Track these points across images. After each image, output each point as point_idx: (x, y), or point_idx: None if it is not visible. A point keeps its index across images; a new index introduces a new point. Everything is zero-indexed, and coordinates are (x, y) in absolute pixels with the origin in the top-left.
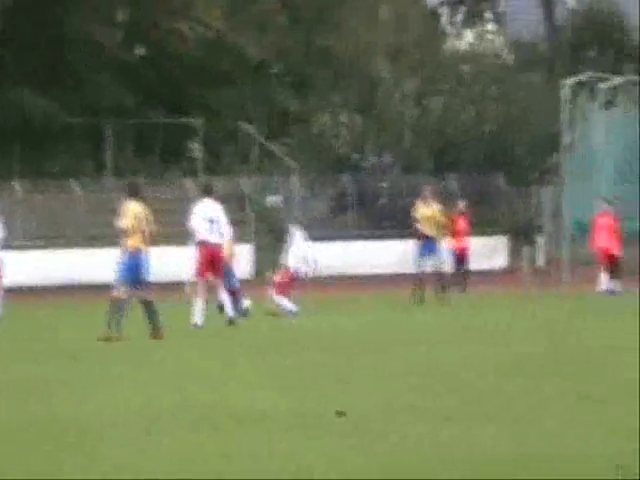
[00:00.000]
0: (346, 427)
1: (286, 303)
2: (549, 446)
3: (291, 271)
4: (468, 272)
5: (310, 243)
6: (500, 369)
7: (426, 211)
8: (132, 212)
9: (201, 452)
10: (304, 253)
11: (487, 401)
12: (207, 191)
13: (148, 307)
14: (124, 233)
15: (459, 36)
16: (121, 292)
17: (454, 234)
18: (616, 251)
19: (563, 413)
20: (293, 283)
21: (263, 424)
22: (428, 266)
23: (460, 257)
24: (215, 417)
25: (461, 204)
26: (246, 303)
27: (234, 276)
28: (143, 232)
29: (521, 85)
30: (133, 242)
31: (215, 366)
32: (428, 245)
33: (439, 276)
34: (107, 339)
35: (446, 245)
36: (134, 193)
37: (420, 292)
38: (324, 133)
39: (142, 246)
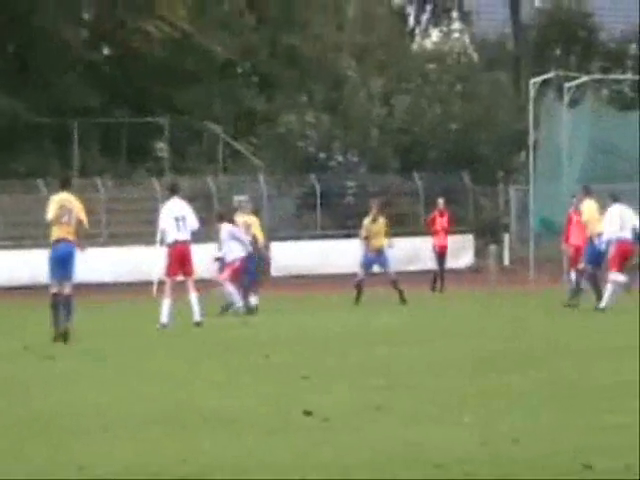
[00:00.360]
0: (312, 425)
1: (235, 294)
2: (515, 446)
3: (238, 263)
4: (443, 271)
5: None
6: (467, 368)
7: (373, 228)
8: (56, 203)
9: (166, 449)
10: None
11: (454, 400)
12: (173, 190)
13: (65, 302)
14: (50, 224)
15: (425, 35)
16: (54, 288)
17: (434, 232)
18: None
19: (531, 412)
20: (240, 274)
21: (229, 422)
22: (374, 272)
23: (440, 255)
24: (181, 415)
25: (440, 202)
26: (254, 300)
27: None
28: (68, 223)
29: (487, 84)
30: (57, 233)
31: (181, 365)
32: (377, 257)
33: (394, 280)
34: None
35: (429, 244)
36: (64, 184)
37: (358, 294)
38: (291, 132)
39: (67, 236)
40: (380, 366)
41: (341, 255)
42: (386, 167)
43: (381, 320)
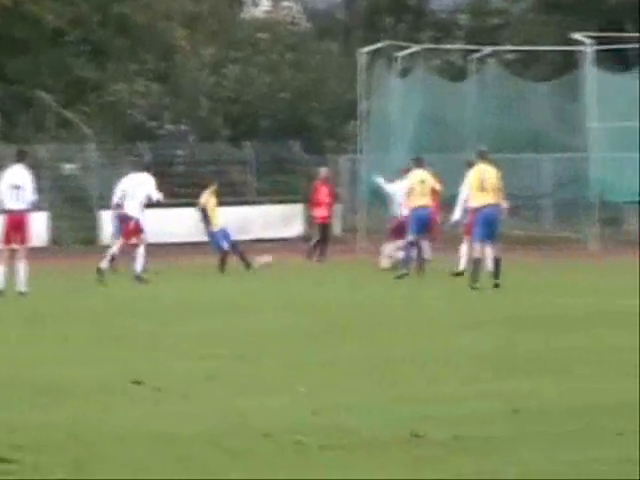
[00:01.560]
0: (144, 395)
1: None
2: (347, 415)
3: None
4: (326, 241)
5: None
6: (302, 338)
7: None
8: None
9: None
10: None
11: (287, 371)
12: (19, 157)
13: None
14: None
15: (255, 3)
16: None
17: (316, 203)
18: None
19: (364, 382)
20: None
21: (60, 392)
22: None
23: (322, 226)
24: (12, 385)
25: (323, 172)
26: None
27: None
28: None
29: (317, 53)
30: None
31: (15, 334)
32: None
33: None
34: None
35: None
36: None
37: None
38: (120, 101)
39: None
40: (214, 336)
41: (170, 224)
42: (216, 136)
43: (216, 290)
